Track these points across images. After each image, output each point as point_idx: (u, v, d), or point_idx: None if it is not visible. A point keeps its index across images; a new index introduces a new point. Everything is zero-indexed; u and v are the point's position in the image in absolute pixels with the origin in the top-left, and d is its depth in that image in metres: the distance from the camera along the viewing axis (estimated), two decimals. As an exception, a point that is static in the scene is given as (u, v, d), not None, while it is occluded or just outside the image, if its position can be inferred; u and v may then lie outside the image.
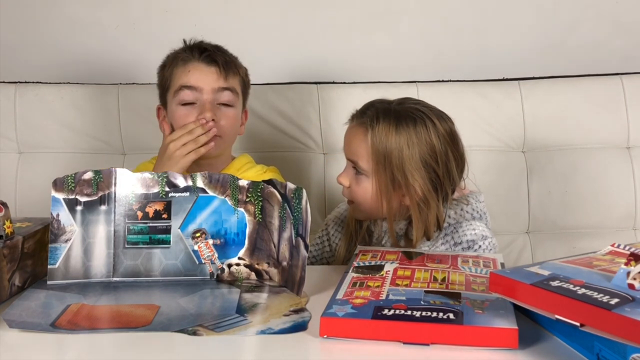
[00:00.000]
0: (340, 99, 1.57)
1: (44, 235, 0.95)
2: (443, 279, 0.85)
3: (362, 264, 0.92)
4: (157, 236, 0.94)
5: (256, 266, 0.95)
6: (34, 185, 1.55)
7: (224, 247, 0.95)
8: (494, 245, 1.10)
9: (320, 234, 1.27)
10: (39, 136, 1.57)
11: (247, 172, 1.33)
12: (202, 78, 1.26)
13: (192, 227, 0.95)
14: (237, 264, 0.95)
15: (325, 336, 0.73)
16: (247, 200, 0.95)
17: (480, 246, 1.08)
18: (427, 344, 0.70)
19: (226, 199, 0.96)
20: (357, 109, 1.14)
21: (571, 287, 0.67)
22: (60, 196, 0.92)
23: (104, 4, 1.64)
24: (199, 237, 0.95)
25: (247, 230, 0.95)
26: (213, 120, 1.23)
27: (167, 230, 0.95)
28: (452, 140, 1.09)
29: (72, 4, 1.64)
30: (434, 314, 0.72)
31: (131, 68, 1.64)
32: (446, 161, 1.08)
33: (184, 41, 1.31)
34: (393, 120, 1.07)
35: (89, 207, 0.93)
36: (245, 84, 1.35)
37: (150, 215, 0.95)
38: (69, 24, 1.64)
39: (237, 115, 1.30)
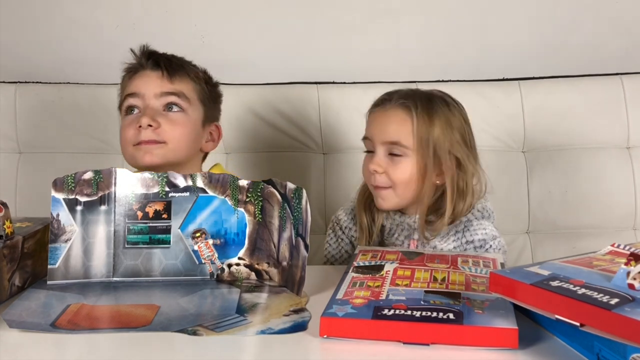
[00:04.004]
0: (340, 99, 1.57)
1: (44, 235, 0.95)
2: (443, 279, 0.85)
3: (362, 264, 0.92)
4: (157, 236, 0.94)
5: (256, 266, 0.95)
6: (34, 185, 1.55)
7: (224, 247, 0.95)
8: (502, 244, 1.12)
9: (328, 231, 1.25)
10: (39, 136, 1.57)
11: None
12: (145, 83, 1.18)
13: (192, 227, 0.95)
14: (237, 264, 0.95)
15: (325, 336, 0.73)
16: (247, 200, 0.96)
17: (490, 246, 1.11)
18: (427, 344, 0.70)
19: (226, 199, 0.96)
20: (378, 97, 1.15)
21: (571, 287, 0.67)
22: (60, 196, 0.92)
23: (104, 4, 1.64)
24: (199, 237, 0.95)
25: (247, 230, 0.95)
26: (150, 125, 1.14)
27: (167, 230, 0.95)
28: (468, 122, 1.15)
29: (72, 4, 1.63)
30: (434, 314, 0.72)
31: (131, 68, 1.64)
32: (471, 139, 1.13)
33: (131, 50, 1.23)
34: (426, 101, 1.11)
35: (89, 207, 0.93)
36: (207, 93, 1.23)
37: (150, 215, 0.95)
38: (69, 24, 1.64)
39: (188, 122, 1.19)
